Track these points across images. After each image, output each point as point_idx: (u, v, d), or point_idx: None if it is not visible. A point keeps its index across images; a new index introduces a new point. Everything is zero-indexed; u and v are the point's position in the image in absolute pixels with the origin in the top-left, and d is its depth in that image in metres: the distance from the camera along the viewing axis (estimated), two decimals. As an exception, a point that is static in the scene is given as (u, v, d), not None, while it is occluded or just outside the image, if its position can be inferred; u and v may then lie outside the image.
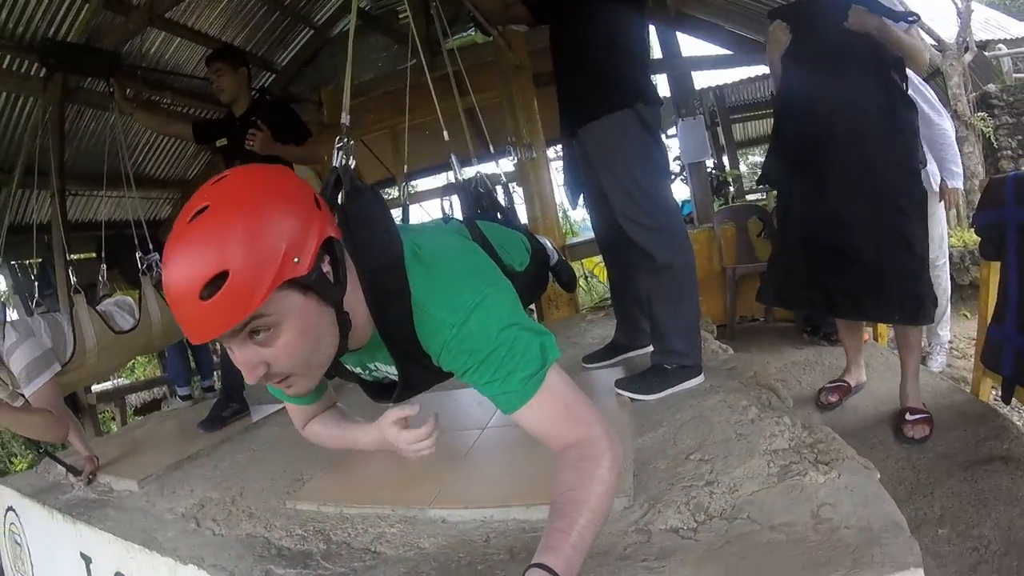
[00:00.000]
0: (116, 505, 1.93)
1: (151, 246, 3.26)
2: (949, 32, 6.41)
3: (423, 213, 5.98)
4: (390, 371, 1.12)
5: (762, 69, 6.70)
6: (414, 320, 0.96)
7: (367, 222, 1.00)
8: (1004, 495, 1.73)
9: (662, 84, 6.22)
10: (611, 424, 1.55)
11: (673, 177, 6.00)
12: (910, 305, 2.12)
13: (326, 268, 0.86)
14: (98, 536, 1.63)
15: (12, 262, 4.98)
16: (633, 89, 1.98)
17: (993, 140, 6.28)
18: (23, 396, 2.20)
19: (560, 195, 5.19)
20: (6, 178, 4.38)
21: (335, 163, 1.20)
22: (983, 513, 1.70)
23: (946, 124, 2.97)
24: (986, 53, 7.09)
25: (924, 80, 3.03)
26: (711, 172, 6.13)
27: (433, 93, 2.24)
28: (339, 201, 1.05)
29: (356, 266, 0.95)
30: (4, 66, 3.82)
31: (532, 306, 5.58)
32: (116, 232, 3.61)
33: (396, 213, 1.20)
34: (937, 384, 2.55)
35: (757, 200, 8.30)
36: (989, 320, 2.28)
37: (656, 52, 5.03)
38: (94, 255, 4.55)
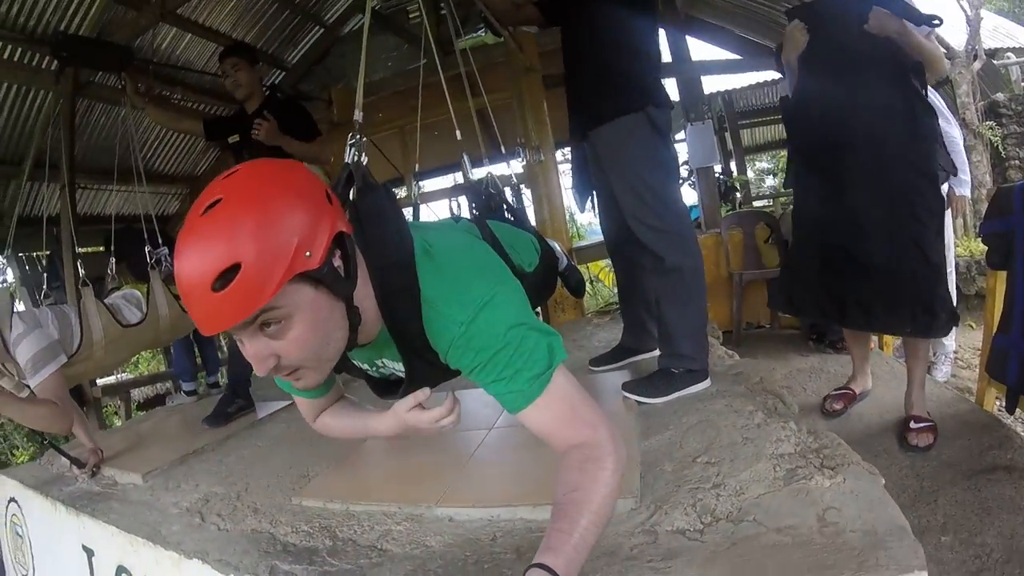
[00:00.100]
0: (120, 498, 1.93)
1: (160, 241, 3.28)
2: (958, 40, 6.40)
3: (430, 214, 5.99)
4: (397, 368, 1.12)
5: (771, 75, 6.70)
6: (423, 317, 0.96)
7: (378, 218, 1.01)
8: (1007, 504, 1.73)
9: (671, 88, 6.24)
10: (617, 426, 1.56)
11: (681, 182, 6.00)
12: (922, 317, 2.09)
13: (337, 262, 0.87)
14: (101, 529, 1.63)
15: (20, 254, 4.99)
16: (644, 92, 1.99)
17: (1001, 149, 6.26)
18: (28, 387, 2.21)
19: (568, 198, 5.20)
20: (16, 170, 4.40)
21: (347, 159, 1.21)
22: (986, 521, 1.70)
23: (955, 132, 2.98)
24: (995, 61, 7.07)
25: (933, 88, 3.04)
26: (719, 177, 6.12)
27: (447, 93, 2.25)
28: (350, 197, 1.06)
29: (367, 262, 0.96)
30: (16, 59, 3.85)
31: (538, 308, 5.58)
32: (125, 226, 3.62)
33: (405, 212, 1.20)
34: (942, 393, 2.55)
35: (764, 206, 8.30)
36: (995, 330, 2.27)
37: (665, 56, 5.04)
38: (102, 249, 4.58)
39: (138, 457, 2.32)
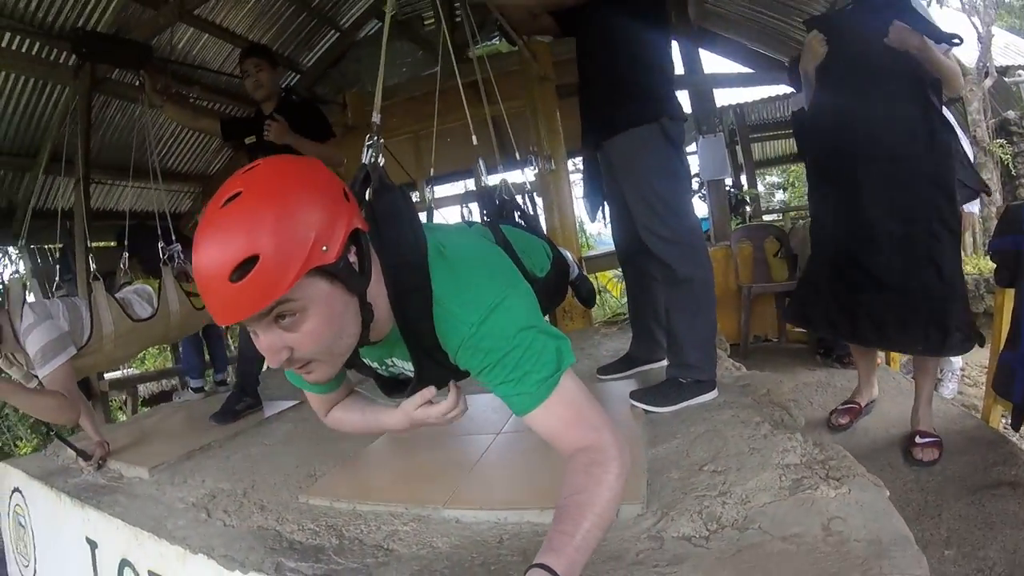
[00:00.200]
0: (126, 492, 1.95)
1: (173, 237, 3.31)
2: (969, 57, 6.40)
3: (441, 219, 6.02)
4: (407, 367, 1.13)
5: (782, 89, 6.70)
6: (434, 317, 0.97)
7: (393, 219, 1.02)
8: (1011, 519, 1.74)
9: (683, 100, 6.25)
10: (624, 434, 1.57)
11: (692, 194, 6.00)
12: (935, 335, 2.07)
13: (352, 258, 0.88)
14: (106, 521, 1.62)
15: (33, 246, 5.03)
16: (658, 103, 2.00)
17: (1011, 167, 6.25)
18: (37, 377, 2.22)
19: (579, 207, 5.22)
20: (32, 163, 4.45)
21: (364, 160, 1.23)
22: (989, 536, 1.70)
23: (966, 149, 2.98)
24: (1006, 79, 7.07)
25: (944, 105, 3.04)
26: (729, 190, 6.12)
27: (464, 99, 2.27)
28: (367, 197, 1.07)
29: (380, 260, 0.97)
30: (34, 53, 3.88)
31: (547, 316, 5.59)
32: (138, 222, 3.65)
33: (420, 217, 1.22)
34: (948, 409, 2.54)
35: (774, 220, 8.29)
36: (1002, 347, 2.26)
37: (678, 68, 5.06)
38: (114, 244, 4.61)
39: (145, 451, 2.34)
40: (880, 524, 1.05)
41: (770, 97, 8.06)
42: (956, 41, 2.05)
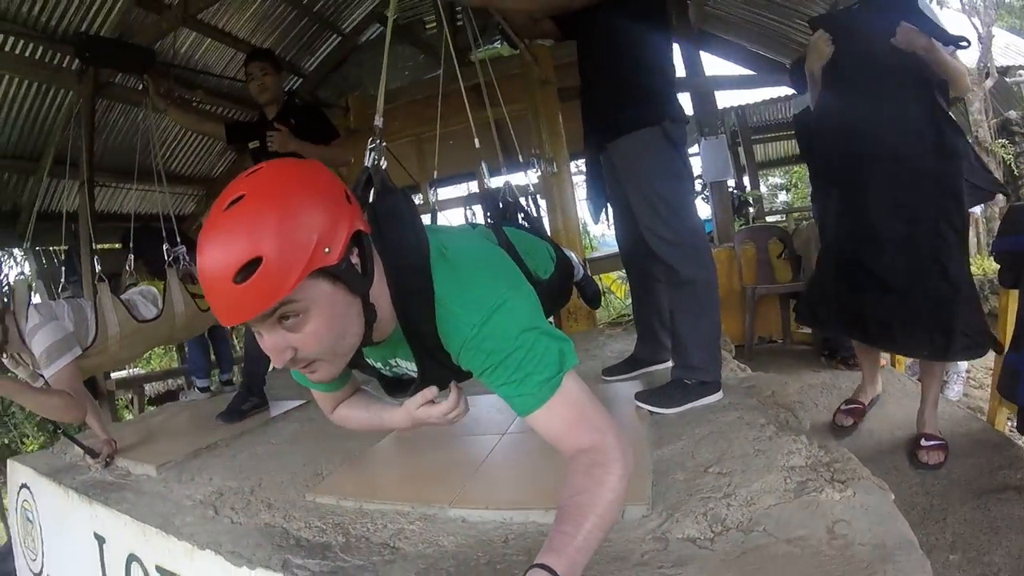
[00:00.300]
0: (134, 489, 1.96)
1: (178, 239, 3.33)
2: (970, 57, 6.40)
3: (444, 221, 6.02)
4: (410, 367, 1.14)
5: (784, 90, 6.70)
6: (436, 318, 0.98)
7: (395, 221, 1.03)
8: (1016, 524, 1.73)
9: (685, 102, 6.25)
10: (629, 435, 1.58)
11: (695, 195, 6.00)
12: (939, 340, 2.06)
13: (355, 260, 0.89)
14: (114, 517, 1.65)
15: (38, 248, 5.06)
16: (660, 106, 2.01)
17: (1014, 167, 6.25)
18: (43, 377, 2.24)
19: (582, 209, 5.22)
20: (36, 166, 4.48)
21: (367, 163, 1.25)
22: (994, 541, 1.70)
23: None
24: (1007, 79, 7.07)
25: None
26: (732, 192, 6.12)
27: (467, 102, 2.28)
28: (369, 200, 1.09)
29: (383, 262, 0.98)
30: (37, 57, 3.90)
31: (551, 318, 5.60)
32: (143, 224, 3.67)
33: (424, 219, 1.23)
34: (953, 412, 2.54)
35: (777, 221, 8.29)
36: (1006, 349, 2.25)
37: (680, 70, 5.07)
38: (119, 245, 4.63)
39: (152, 450, 2.36)
40: (885, 528, 1.05)
41: (772, 99, 8.06)
42: (964, 44, 2.05)
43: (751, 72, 5.39)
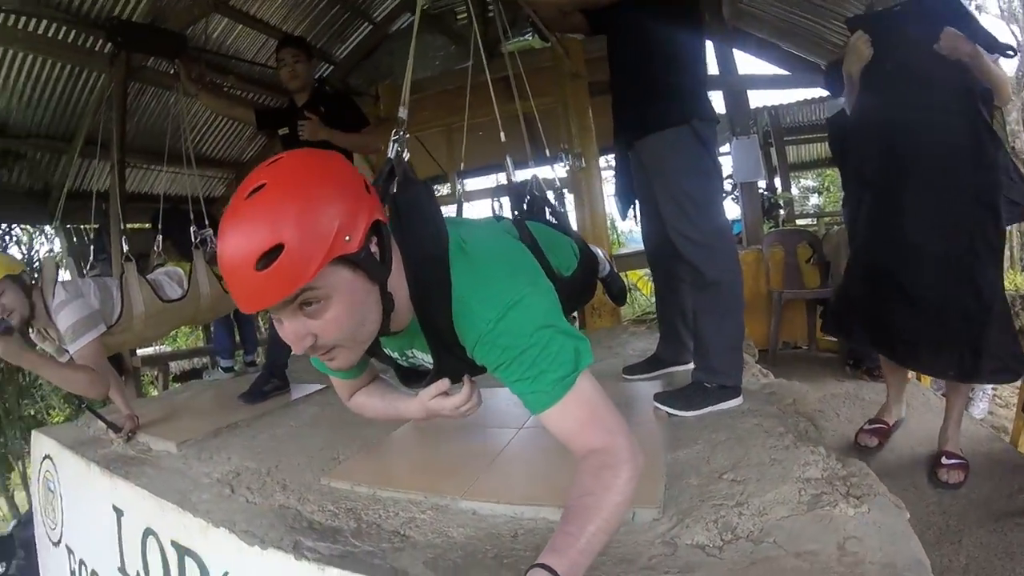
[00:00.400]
0: (153, 464, 2.01)
1: (206, 222, 3.38)
2: (1008, 66, 6.21)
3: (472, 212, 6.01)
4: (426, 359, 1.15)
5: (819, 92, 6.57)
6: (453, 311, 0.99)
7: (416, 213, 1.04)
8: (1033, 550, 1.69)
9: (717, 101, 6.17)
10: (645, 436, 1.57)
11: (724, 195, 5.92)
12: (968, 360, 1.99)
13: (374, 248, 0.90)
14: (133, 491, 1.66)
15: (69, 226, 5.16)
16: (690, 104, 1.99)
17: (1052, 179, 6.05)
18: (69, 352, 2.30)
19: (610, 205, 5.19)
20: (67, 146, 4.57)
21: (390, 155, 1.26)
22: (1009, 567, 1.66)
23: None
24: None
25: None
26: (762, 193, 6.03)
27: (492, 93, 2.27)
28: (391, 191, 1.09)
29: (402, 253, 0.99)
30: (70, 41, 3.97)
31: (575, 313, 5.61)
32: (172, 206, 3.73)
33: (447, 210, 1.24)
34: (977, 431, 2.48)
35: (808, 225, 8.14)
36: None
37: (712, 68, 5.00)
38: (148, 226, 4.73)
39: (173, 427, 2.40)
40: (897, 547, 1.03)
41: (806, 100, 7.90)
42: (1010, 52, 1.99)
43: (785, 72, 5.29)
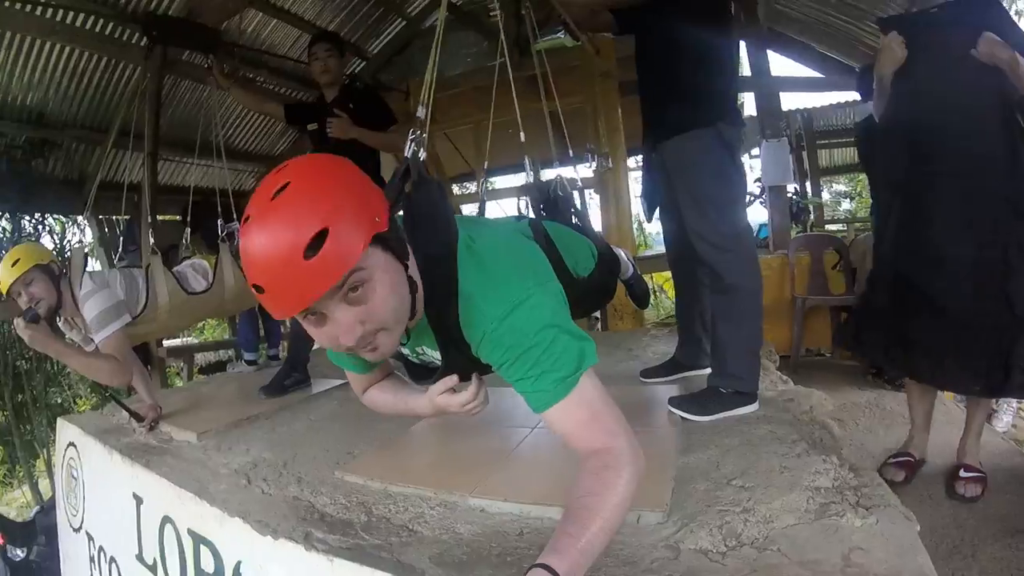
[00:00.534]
0: (174, 454, 2.05)
1: (234, 215, 3.44)
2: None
3: (500, 211, 6.03)
4: (435, 356, 1.17)
5: (852, 95, 6.44)
6: (459, 309, 1.00)
7: (428, 211, 1.06)
8: (1047, 567, 1.65)
9: (748, 102, 6.08)
10: (658, 440, 1.57)
11: (752, 199, 5.85)
12: (996, 375, 1.92)
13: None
14: (153, 479, 1.72)
15: (100, 216, 5.31)
16: (716, 107, 1.97)
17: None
18: (95, 341, 2.37)
19: (637, 206, 5.16)
20: (102, 137, 4.67)
21: (406, 153, 1.29)
22: (1022, 583, 1.63)
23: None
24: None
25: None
26: (791, 198, 5.92)
27: (514, 93, 2.28)
28: (406, 189, 1.12)
29: (413, 251, 1.00)
30: (107, 33, 4.08)
31: (597, 315, 5.59)
32: (203, 199, 3.82)
33: (471, 208, 1.26)
34: (998, 444, 2.42)
35: (838, 230, 7.99)
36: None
37: (745, 69, 4.94)
38: (179, 218, 4.84)
39: (195, 417, 2.45)
40: (903, 560, 1.01)
41: (839, 103, 7.72)
42: None
43: (819, 75, 5.20)
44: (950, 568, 1.69)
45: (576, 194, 2.21)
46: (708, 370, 2.12)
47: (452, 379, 1.14)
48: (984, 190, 1.97)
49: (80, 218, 5.77)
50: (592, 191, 4.83)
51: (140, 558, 1.69)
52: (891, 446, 2.48)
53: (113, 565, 1.87)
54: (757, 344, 1.98)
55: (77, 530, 2.19)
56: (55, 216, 5.81)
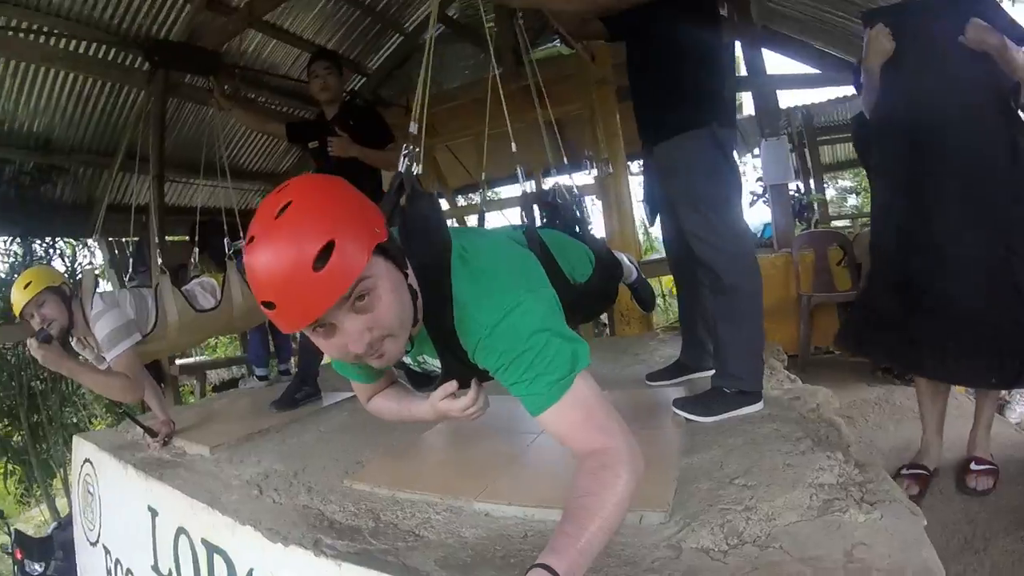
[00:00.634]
0: (187, 467, 2.09)
1: (240, 233, 3.49)
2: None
3: (504, 220, 6.06)
4: (436, 364, 1.20)
5: (851, 90, 6.43)
6: (454, 318, 1.03)
7: (421, 224, 1.10)
8: (1060, 560, 1.64)
9: (746, 102, 6.08)
10: (663, 442, 1.58)
11: (755, 198, 5.83)
12: (1011, 365, 1.87)
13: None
14: (167, 492, 1.76)
15: (110, 239, 5.36)
16: (709, 108, 1.98)
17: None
18: (107, 360, 2.42)
19: (639, 210, 5.16)
20: (108, 161, 4.73)
21: (400, 168, 1.33)
22: (1033, 576, 1.61)
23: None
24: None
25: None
26: (793, 195, 5.90)
27: (504, 103, 2.31)
28: (401, 202, 1.17)
29: (410, 261, 1.03)
30: (110, 59, 4.16)
31: (605, 321, 5.58)
32: (210, 219, 3.87)
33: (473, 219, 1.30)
34: (1010, 436, 2.40)
35: (845, 227, 7.95)
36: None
37: (741, 69, 4.94)
38: (187, 238, 4.90)
39: (208, 432, 2.50)
40: (907, 555, 1.01)
41: (839, 98, 7.70)
42: None
43: (816, 71, 5.20)
44: (960, 563, 1.68)
45: (571, 200, 2.23)
46: (712, 372, 2.13)
47: (452, 385, 1.17)
48: (984, 181, 1.94)
49: (90, 241, 5.85)
50: (594, 197, 4.85)
51: (156, 568, 1.72)
52: (900, 443, 2.47)
53: (130, 576, 1.90)
54: (758, 343, 1.97)
55: (94, 544, 2.23)
56: (65, 240, 5.88)
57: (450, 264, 1.04)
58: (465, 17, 5.81)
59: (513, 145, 2.28)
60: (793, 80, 5.33)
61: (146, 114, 4.11)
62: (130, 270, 3.78)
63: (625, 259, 2.23)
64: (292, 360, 3.99)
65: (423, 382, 1.29)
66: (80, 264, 6.04)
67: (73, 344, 2.53)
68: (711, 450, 1.61)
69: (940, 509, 1.91)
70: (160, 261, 3.09)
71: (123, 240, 5.43)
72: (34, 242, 5.38)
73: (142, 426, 2.34)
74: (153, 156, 4.26)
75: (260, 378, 3.83)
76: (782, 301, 4.11)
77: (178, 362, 5.35)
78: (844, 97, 7.54)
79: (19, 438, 6.33)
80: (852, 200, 13.93)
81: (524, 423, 1.98)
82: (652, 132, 2.10)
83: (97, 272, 3.52)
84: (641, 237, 7.88)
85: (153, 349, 2.86)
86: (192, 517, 1.58)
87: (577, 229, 2.07)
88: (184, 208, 5.69)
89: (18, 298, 2.32)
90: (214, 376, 7.18)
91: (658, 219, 2.35)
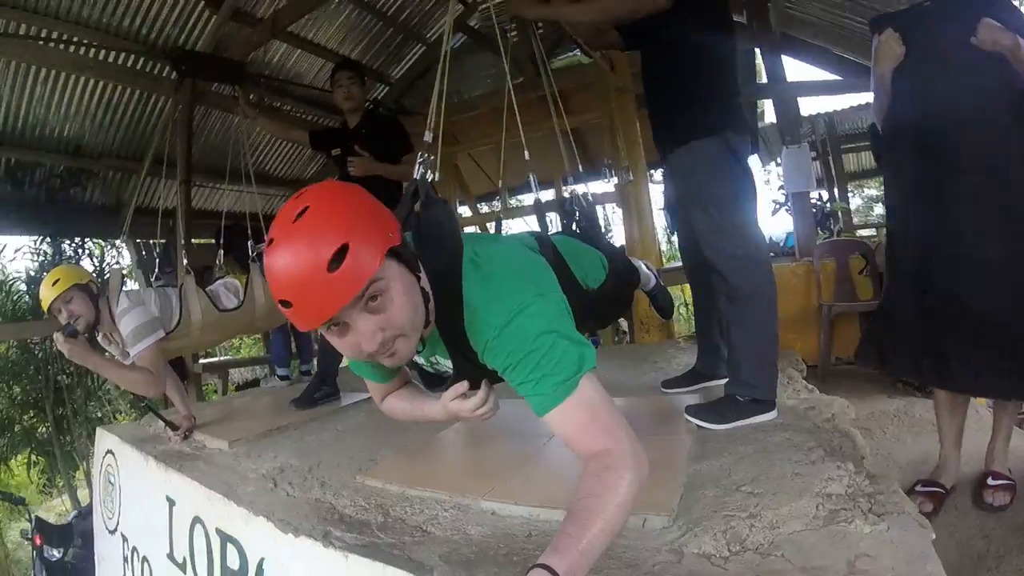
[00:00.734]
0: (206, 460, 2.15)
1: (264, 237, 3.55)
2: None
3: (525, 227, 6.09)
4: (448, 365, 1.24)
5: (872, 96, 6.33)
6: (465, 320, 1.06)
7: (436, 229, 1.14)
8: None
9: (769, 109, 6.02)
10: (673, 449, 1.60)
11: (777, 207, 5.77)
12: None
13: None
14: (185, 483, 1.83)
15: (137, 240, 5.54)
16: (722, 116, 1.98)
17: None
18: (131, 355, 2.50)
19: (660, 218, 5.15)
20: (136, 166, 4.91)
21: (415, 175, 1.38)
22: (1049, 596, 1.57)
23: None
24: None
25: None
26: (816, 204, 5.82)
27: (516, 113, 2.35)
28: (415, 209, 1.21)
29: (424, 265, 1.06)
30: (139, 68, 4.31)
31: (625, 329, 5.55)
32: (235, 222, 3.96)
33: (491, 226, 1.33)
34: (1029, 450, 2.33)
35: (870, 236, 7.82)
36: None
37: (762, 76, 4.92)
38: (212, 241, 5.01)
39: (227, 427, 2.57)
40: (912, 568, 0.99)
41: (863, 104, 7.56)
42: None
43: (837, 77, 5.14)
44: (972, 579, 1.64)
45: (591, 208, 2.25)
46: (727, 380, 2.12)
47: (463, 385, 1.20)
48: (1004, 184, 1.89)
49: (118, 242, 6.02)
50: (614, 205, 4.86)
51: (171, 557, 1.78)
52: (918, 456, 2.43)
53: (145, 564, 1.98)
54: (772, 351, 1.95)
55: (112, 532, 2.31)
56: (94, 240, 6.06)
57: (462, 268, 1.08)
58: (486, 27, 5.84)
59: (526, 153, 2.30)
60: (813, 87, 5.28)
61: (174, 121, 4.22)
62: (156, 270, 3.87)
63: (643, 266, 2.24)
64: (313, 360, 4.06)
65: (435, 382, 1.33)
66: (108, 264, 6.20)
67: (100, 340, 2.62)
68: (721, 457, 1.61)
69: (954, 524, 1.87)
70: (186, 262, 3.17)
71: (150, 242, 5.58)
72: (63, 242, 5.55)
73: (164, 420, 2.42)
74: (181, 162, 4.36)
75: (281, 378, 3.90)
76: (803, 310, 4.07)
77: (202, 360, 5.46)
78: (867, 104, 7.39)
79: (44, 430, 6.51)
80: (878, 209, 13.69)
81: (538, 426, 1.97)
82: (667, 139, 2.11)
83: (125, 272, 3.62)
84: (664, 245, 7.86)
85: (177, 346, 2.93)
86: (208, 507, 1.63)
87: (592, 235, 2.09)
88: (210, 212, 5.82)
89: (46, 294, 2.42)
90: (237, 375, 7.31)
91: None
